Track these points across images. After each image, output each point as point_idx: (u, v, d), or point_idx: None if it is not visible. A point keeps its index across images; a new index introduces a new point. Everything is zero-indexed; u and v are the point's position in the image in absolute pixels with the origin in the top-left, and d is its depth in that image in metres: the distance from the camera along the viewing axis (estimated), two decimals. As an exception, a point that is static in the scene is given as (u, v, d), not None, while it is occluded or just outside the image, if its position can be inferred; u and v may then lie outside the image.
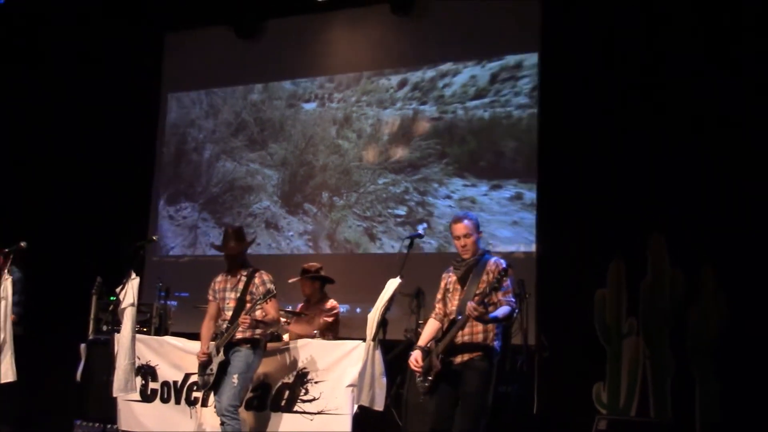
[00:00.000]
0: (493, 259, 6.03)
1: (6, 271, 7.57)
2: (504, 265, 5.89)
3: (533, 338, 8.01)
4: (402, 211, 8.13)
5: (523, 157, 8.97)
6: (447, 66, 8.64)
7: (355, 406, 6.90)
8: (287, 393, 7.26)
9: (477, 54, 9.14)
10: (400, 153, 8.38)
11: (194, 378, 7.43)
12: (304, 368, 7.23)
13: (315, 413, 7.10)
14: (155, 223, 10.82)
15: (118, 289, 7.00)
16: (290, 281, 8.17)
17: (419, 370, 5.91)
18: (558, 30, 8.99)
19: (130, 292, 6.92)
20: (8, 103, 11.19)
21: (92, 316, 8.57)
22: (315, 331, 7.70)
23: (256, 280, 6.97)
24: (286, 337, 8.05)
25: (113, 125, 10.88)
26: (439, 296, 6.17)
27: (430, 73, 8.61)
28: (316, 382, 7.16)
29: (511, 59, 9.12)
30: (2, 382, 7.49)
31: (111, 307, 7.24)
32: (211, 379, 6.85)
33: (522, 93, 9.07)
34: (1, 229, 8.31)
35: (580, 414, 7.91)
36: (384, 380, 6.65)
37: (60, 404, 9.18)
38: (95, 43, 10.94)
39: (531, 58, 9.11)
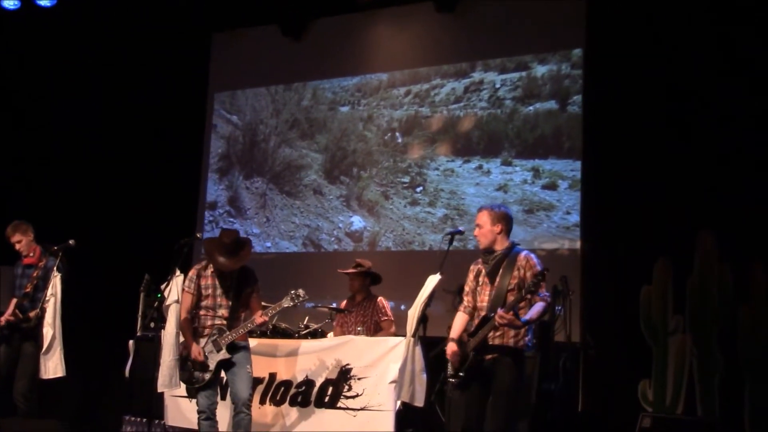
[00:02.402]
0: (523, 253, 5.87)
1: (55, 268, 7.71)
2: (539, 267, 5.74)
3: (578, 336, 7.94)
4: (406, 179, 10.21)
5: (567, 151, 9.14)
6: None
7: (398, 403, 6.89)
8: (330, 389, 7.27)
9: (520, 51, 9.62)
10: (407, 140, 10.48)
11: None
12: (347, 364, 7.23)
13: (358, 409, 7.09)
14: (202, 221, 11.05)
15: (163, 287, 7.06)
16: (342, 271, 8.21)
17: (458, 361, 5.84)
18: (603, 25, 8.91)
19: (174, 290, 6.95)
20: (58, 104, 11.37)
21: (140, 313, 8.65)
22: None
23: (251, 279, 6.94)
24: (330, 334, 8.09)
25: (161, 124, 11.04)
26: (467, 288, 6.07)
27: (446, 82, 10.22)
28: (359, 379, 7.16)
29: (555, 55, 9.40)
30: (52, 377, 7.64)
31: (156, 304, 7.33)
32: (208, 376, 6.71)
33: (566, 89, 9.25)
34: (52, 227, 8.41)
35: (625, 412, 7.83)
36: (424, 376, 6.64)
37: (110, 399, 9.35)
38: (143, 43, 11.08)
39: (575, 54, 9.27)
